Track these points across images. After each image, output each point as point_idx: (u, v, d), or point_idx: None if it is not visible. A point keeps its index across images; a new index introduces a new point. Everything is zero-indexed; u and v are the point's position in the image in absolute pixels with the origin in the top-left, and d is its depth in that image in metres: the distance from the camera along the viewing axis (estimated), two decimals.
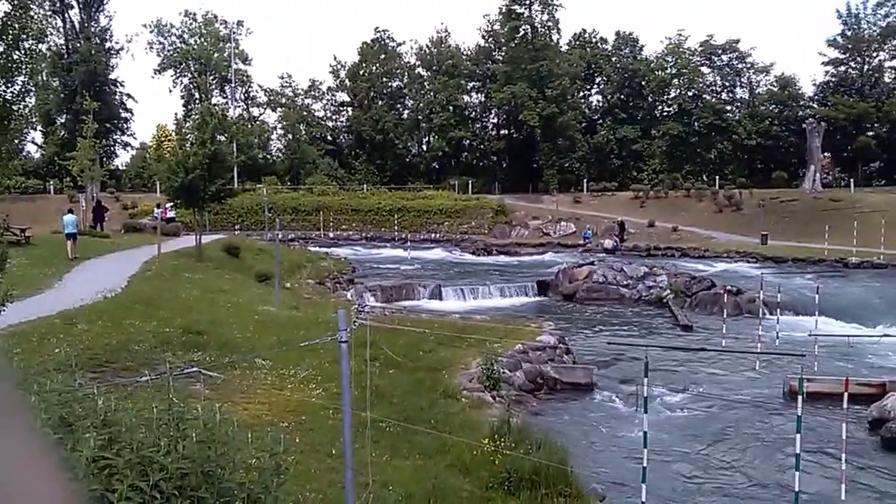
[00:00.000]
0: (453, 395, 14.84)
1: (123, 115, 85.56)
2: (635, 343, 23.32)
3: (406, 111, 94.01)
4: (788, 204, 61.06)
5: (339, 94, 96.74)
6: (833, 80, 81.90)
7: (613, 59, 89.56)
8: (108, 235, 40.87)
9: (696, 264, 45.00)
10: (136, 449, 4.42)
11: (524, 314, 29.31)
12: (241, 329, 18.19)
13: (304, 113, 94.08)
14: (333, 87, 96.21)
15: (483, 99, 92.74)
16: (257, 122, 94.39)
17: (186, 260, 30.70)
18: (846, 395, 13.90)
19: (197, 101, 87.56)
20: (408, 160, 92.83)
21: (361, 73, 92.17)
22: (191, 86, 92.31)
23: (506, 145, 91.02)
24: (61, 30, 79.84)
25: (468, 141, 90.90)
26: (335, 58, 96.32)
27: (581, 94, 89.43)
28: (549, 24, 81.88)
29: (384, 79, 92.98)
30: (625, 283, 35.54)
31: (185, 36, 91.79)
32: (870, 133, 76.00)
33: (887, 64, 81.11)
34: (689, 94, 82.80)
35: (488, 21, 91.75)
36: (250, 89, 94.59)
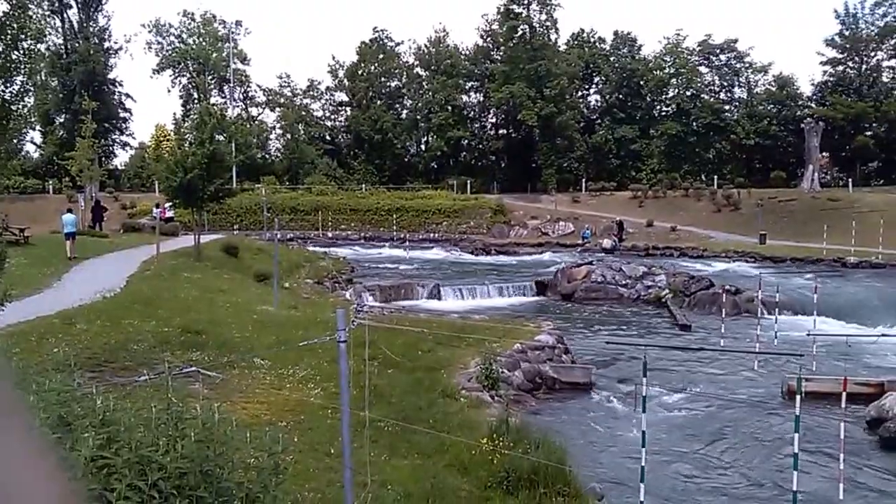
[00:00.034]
0: (452, 394, 14.84)
1: (122, 114, 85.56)
2: (634, 343, 23.30)
3: (404, 111, 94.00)
4: (787, 203, 61.06)
5: (337, 94, 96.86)
6: (831, 79, 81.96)
7: (612, 58, 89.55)
8: (107, 235, 40.85)
9: (694, 264, 45.05)
10: (134, 448, 4.42)
11: (523, 314, 29.32)
12: (239, 329, 18.19)
13: (303, 113, 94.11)
14: (332, 87, 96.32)
15: (481, 99, 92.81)
16: (256, 122, 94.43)
17: (185, 260, 30.70)
18: (844, 394, 13.91)
19: (195, 101, 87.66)
20: (406, 160, 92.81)
21: (360, 72, 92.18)
22: (189, 86, 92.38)
23: (504, 145, 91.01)
24: (60, 29, 79.78)
25: (466, 141, 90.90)
26: (333, 57, 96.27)
27: (579, 93, 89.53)
28: (548, 23, 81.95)
29: (383, 78, 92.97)
30: (623, 282, 35.55)
31: (184, 36, 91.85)
32: (868, 133, 76.04)
33: (885, 64, 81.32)
34: (688, 93, 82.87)
35: (486, 21, 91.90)
36: (249, 89, 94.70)
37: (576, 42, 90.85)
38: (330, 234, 64.87)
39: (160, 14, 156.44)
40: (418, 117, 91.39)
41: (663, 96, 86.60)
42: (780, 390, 19.27)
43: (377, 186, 79.16)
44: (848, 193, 62.07)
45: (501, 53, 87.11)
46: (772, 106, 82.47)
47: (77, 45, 78.03)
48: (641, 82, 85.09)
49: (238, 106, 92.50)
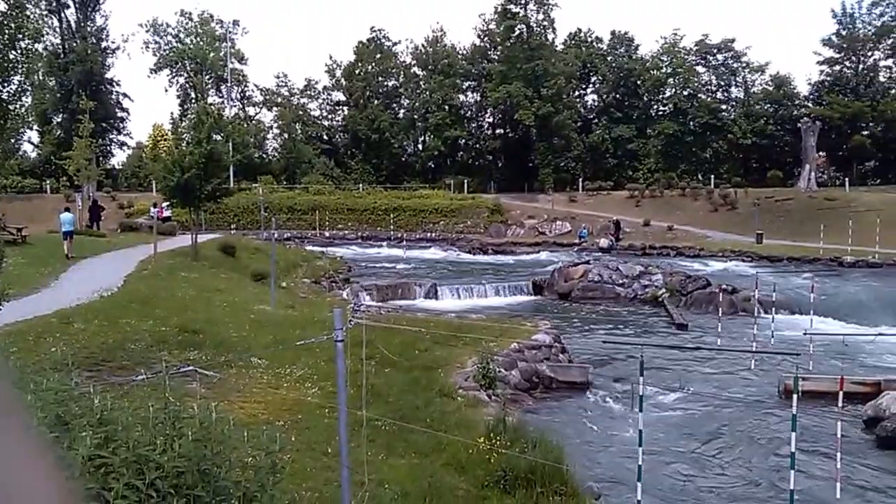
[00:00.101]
0: (449, 393, 14.85)
1: (120, 114, 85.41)
2: (631, 342, 23.35)
3: (402, 110, 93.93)
4: (784, 203, 61.09)
5: (334, 94, 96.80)
6: (828, 79, 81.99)
7: (609, 58, 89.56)
8: (105, 235, 40.84)
9: (691, 263, 45.06)
10: (132, 447, 4.44)
11: (520, 313, 29.32)
12: (237, 328, 18.19)
13: (300, 112, 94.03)
14: (329, 87, 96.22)
15: (479, 98, 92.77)
16: (253, 122, 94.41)
17: (182, 259, 30.69)
18: (841, 393, 13.93)
19: (193, 101, 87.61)
20: (403, 159, 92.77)
21: (357, 72, 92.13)
22: (187, 85, 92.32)
23: (501, 144, 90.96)
24: (57, 29, 79.62)
25: (464, 140, 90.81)
26: (331, 57, 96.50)
27: (576, 93, 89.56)
28: (545, 23, 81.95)
29: (380, 78, 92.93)
30: (620, 282, 35.57)
31: (181, 35, 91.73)
32: (865, 132, 76.09)
33: (882, 63, 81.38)
34: (685, 93, 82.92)
35: (484, 20, 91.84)
36: (246, 89, 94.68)
37: (573, 42, 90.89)
38: (327, 234, 64.81)
39: (157, 14, 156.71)
40: (415, 117, 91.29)
41: (660, 96, 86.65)
42: (776, 389, 19.28)
43: (374, 186, 79.07)
44: (845, 193, 62.14)
45: (499, 53, 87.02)
46: (769, 105, 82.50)
47: (74, 44, 77.91)
48: (638, 82, 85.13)
49: (235, 105, 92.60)
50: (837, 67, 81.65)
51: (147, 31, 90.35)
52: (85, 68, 76.14)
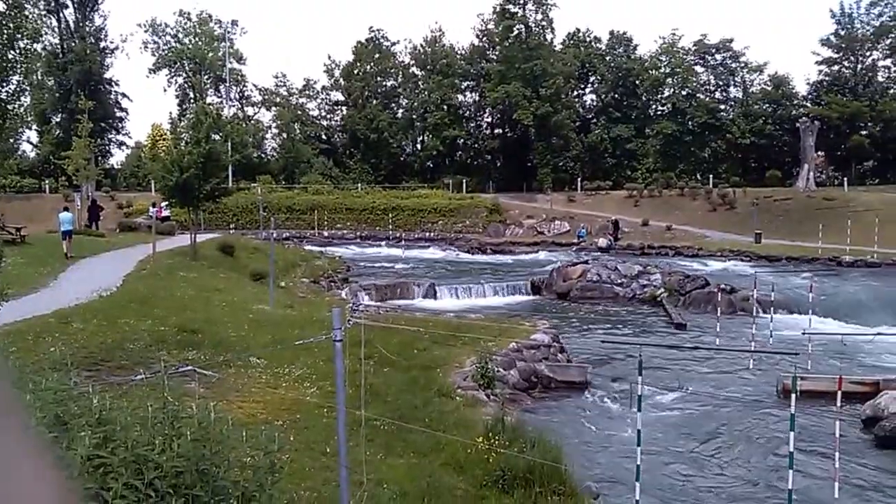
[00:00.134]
0: (447, 393, 14.86)
1: (118, 114, 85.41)
2: (629, 342, 23.34)
3: (400, 110, 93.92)
4: (782, 203, 61.14)
5: (333, 94, 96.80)
6: (827, 79, 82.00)
7: (607, 58, 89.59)
8: (104, 234, 40.83)
9: (689, 263, 45.08)
10: (130, 447, 4.44)
11: (518, 313, 29.33)
12: (235, 328, 18.19)
13: (299, 112, 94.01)
14: (328, 87, 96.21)
15: (477, 98, 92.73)
16: (252, 122, 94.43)
17: (181, 259, 30.69)
18: (840, 393, 13.93)
19: (192, 101, 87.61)
20: (402, 159, 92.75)
21: (356, 72, 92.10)
22: (185, 85, 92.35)
23: (500, 144, 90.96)
24: (56, 29, 79.62)
25: (462, 140, 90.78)
26: (329, 57, 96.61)
27: (575, 93, 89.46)
28: (543, 23, 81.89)
29: (378, 78, 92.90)
30: (619, 281, 35.58)
31: (180, 35, 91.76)
32: (863, 132, 76.05)
33: (881, 63, 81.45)
34: (683, 93, 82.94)
35: (482, 20, 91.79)
36: (245, 88, 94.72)
37: (571, 42, 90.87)
38: (326, 234, 64.80)
39: (156, 14, 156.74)
40: (414, 117, 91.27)
41: (659, 96, 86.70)
42: (775, 389, 19.29)
43: (373, 186, 79.04)
44: (843, 193, 62.21)
45: (497, 53, 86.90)
46: (767, 105, 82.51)
47: (73, 44, 77.91)
48: (637, 82, 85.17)
49: (234, 105, 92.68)
50: (836, 67, 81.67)
51: (146, 31, 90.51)
52: (84, 68, 76.13)
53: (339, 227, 66.95)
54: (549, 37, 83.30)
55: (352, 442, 9.07)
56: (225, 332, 17.50)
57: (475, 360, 16.90)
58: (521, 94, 77.16)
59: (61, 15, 79.85)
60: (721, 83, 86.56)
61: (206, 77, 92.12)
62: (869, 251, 44.45)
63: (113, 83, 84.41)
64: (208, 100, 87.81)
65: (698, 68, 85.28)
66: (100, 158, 72.42)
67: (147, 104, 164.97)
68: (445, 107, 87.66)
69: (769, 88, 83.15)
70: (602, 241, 55.57)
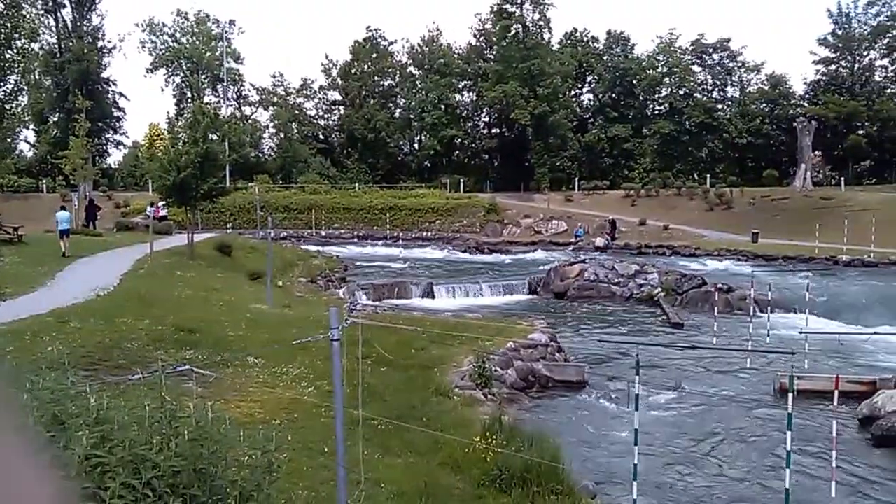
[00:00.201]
0: (445, 392, 14.86)
1: (116, 113, 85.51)
2: (626, 341, 23.36)
3: (398, 110, 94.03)
4: (779, 202, 61.24)
5: (330, 93, 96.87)
6: (824, 78, 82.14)
7: (605, 58, 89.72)
8: (101, 234, 40.77)
9: (687, 262, 45.12)
10: (128, 447, 4.44)
11: (516, 312, 29.30)
12: (233, 327, 18.17)
13: (296, 112, 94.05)
14: (325, 86, 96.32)
15: (474, 98, 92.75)
16: (249, 121, 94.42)
17: (179, 258, 30.67)
18: (836, 392, 13.94)
19: (189, 100, 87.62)
20: (399, 159, 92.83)
21: (353, 71, 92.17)
22: (183, 85, 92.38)
23: (497, 144, 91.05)
24: (53, 29, 79.71)
25: (460, 139, 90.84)
26: (327, 56, 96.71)
27: (572, 92, 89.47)
28: (541, 23, 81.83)
29: (376, 77, 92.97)
30: (616, 281, 35.59)
31: (178, 35, 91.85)
32: (860, 132, 76.12)
33: (878, 63, 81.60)
34: (681, 92, 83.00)
35: (480, 20, 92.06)
36: (242, 88, 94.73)
37: (569, 41, 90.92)
38: (323, 233, 64.84)
39: (154, 13, 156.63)
40: (411, 116, 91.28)
41: (656, 95, 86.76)
42: (772, 388, 19.33)
43: (370, 185, 79.13)
44: (840, 192, 62.31)
45: (495, 52, 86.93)
46: (764, 105, 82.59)
47: (71, 44, 77.94)
48: (634, 81, 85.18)
49: (231, 105, 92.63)
50: (833, 67, 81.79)
51: (143, 31, 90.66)
52: (81, 68, 76.15)
53: (337, 226, 67.01)
54: (546, 36, 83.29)
55: (349, 441, 9.07)
56: (222, 332, 17.48)
57: (473, 360, 16.89)
58: (519, 93, 77.14)
59: (59, 14, 79.95)
60: (718, 83, 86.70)
61: (203, 77, 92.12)
62: (866, 250, 44.51)
63: (110, 83, 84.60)
64: (206, 99, 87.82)
65: (695, 68, 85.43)
66: (97, 158, 72.48)
67: (144, 104, 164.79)
68: (443, 106, 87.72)
69: (766, 88, 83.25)
70: (599, 241, 55.67)
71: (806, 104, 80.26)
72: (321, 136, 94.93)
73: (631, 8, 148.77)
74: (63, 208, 33.28)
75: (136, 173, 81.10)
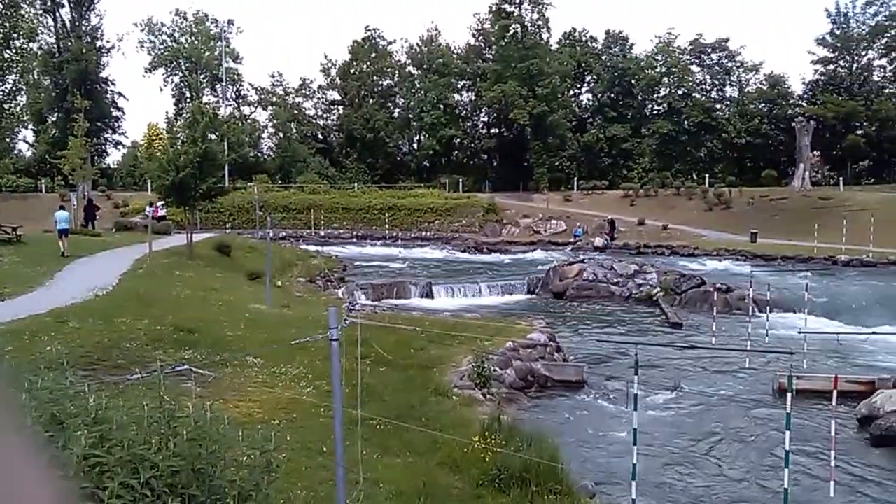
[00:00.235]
0: (444, 392, 14.85)
1: (115, 113, 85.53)
2: (625, 341, 23.35)
3: (397, 110, 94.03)
4: (778, 202, 61.25)
5: (329, 93, 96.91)
6: (822, 78, 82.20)
7: (603, 57, 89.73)
8: (100, 234, 40.74)
9: (686, 262, 45.10)
10: (127, 447, 4.44)
11: (515, 312, 29.33)
12: (232, 327, 18.16)
13: (295, 111, 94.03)
14: (324, 86, 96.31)
15: (473, 97, 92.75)
16: (248, 121, 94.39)
17: (178, 258, 30.65)
18: (835, 392, 13.95)
19: (188, 100, 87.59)
20: (398, 158, 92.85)
21: (352, 71, 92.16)
22: (182, 84, 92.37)
23: (496, 144, 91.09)
24: (52, 28, 79.72)
25: (459, 139, 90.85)
26: (326, 56, 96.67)
27: (571, 92, 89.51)
28: (540, 22, 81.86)
29: (375, 77, 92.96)
30: (615, 280, 35.59)
31: (176, 35, 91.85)
32: (859, 132, 76.21)
33: (876, 62, 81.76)
34: (679, 92, 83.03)
35: (478, 20, 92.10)
36: (241, 88, 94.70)
37: (568, 41, 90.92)
38: (322, 233, 64.80)
39: (152, 13, 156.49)
40: (410, 116, 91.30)
41: (655, 95, 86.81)
42: (770, 388, 19.33)
43: (369, 185, 79.17)
44: (839, 192, 62.31)
45: (493, 52, 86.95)
46: (763, 105, 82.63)
47: (69, 43, 77.92)
48: (633, 81, 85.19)
49: (230, 105, 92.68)
50: (832, 67, 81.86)
51: (142, 31, 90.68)
52: (80, 67, 76.15)
53: (336, 226, 67.01)
54: (545, 36, 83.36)
55: (348, 441, 9.07)
56: (221, 332, 17.47)
57: (472, 360, 16.90)
58: (518, 93, 77.17)
59: (57, 14, 79.96)
60: (717, 83, 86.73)
61: (202, 76, 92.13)
62: (864, 250, 44.51)
63: (109, 82, 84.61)
64: (205, 99, 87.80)
65: (694, 68, 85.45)
66: (96, 158, 72.46)
67: (143, 103, 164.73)
68: (442, 106, 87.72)
69: (765, 88, 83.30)
70: (598, 241, 55.66)
71: (804, 104, 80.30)
72: (320, 136, 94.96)
73: (630, 8, 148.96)
74: (62, 208, 33.26)
75: (134, 173, 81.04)
